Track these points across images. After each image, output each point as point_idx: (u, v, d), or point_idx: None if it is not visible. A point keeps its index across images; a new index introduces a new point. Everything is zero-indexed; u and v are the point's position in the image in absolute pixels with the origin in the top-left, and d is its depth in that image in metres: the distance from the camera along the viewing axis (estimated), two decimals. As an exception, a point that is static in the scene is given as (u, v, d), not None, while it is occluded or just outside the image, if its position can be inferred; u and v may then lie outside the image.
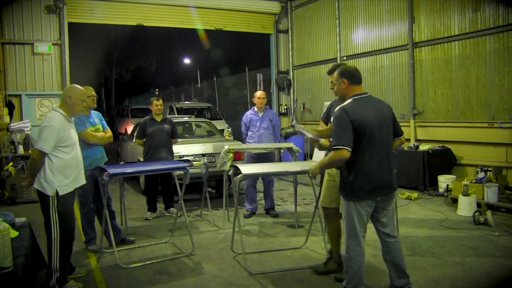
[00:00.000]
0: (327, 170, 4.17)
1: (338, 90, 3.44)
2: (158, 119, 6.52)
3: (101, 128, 5.00)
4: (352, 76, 3.37)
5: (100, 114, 5.16)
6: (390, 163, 3.36)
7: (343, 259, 3.42)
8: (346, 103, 3.29)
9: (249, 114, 6.56)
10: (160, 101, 6.55)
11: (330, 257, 4.20)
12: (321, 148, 4.14)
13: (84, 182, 4.01)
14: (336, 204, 4.07)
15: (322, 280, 4.06)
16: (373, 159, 3.23)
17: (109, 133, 5.05)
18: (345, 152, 3.13)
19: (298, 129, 4.53)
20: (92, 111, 4.98)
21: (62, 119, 3.71)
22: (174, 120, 6.91)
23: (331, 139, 4.13)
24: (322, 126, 6.20)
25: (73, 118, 3.90)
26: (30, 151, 7.39)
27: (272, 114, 6.65)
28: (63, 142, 3.67)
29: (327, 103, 8.34)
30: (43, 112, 9.30)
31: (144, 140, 6.49)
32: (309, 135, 4.16)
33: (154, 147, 6.37)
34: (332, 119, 3.99)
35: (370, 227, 5.72)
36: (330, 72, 4.04)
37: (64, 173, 3.70)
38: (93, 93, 4.83)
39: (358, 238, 3.31)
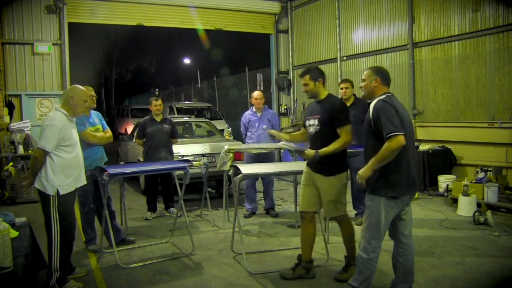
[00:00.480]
0: (304, 172, 4.10)
1: (368, 86, 3.39)
2: (158, 119, 6.52)
3: (101, 128, 5.00)
4: (385, 77, 3.38)
5: (100, 114, 5.17)
6: (415, 161, 3.34)
7: (360, 259, 3.30)
8: (382, 97, 3.26)
9: (247, 114, 6.56)
10: (159, 101, 6.54)
11: (299, 263, 4.13)
12: (307, 158, 4.02)
13: (85, 182, 4.01)
14: (316, 208, 4.04)
15: (322, 280, 4.06)
16: (408, 155, 3.20)
17: (109, 133, 5.05)
18: (401, 138, 3.06)
19: (279, 140, 4.47)
20: (92, 111, 4.98)
21: (64, 118, 3.73)
22: (174, 120, 6.91)
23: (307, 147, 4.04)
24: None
25: (74, 118, 3.91)
26: (30, 151, 7.41)
27: (271, 114, 6.64)
28: (65, 141, 3.69)
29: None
30: (43, 112, 9.30)
31: (144, 140, 6.49)
32: (294, 147, 4.12)
33: (154, 147, 6.37)
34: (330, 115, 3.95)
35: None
36: (302, 75, 4.02)
37: (65, 173, 3.71)
38: (93, 93, 4.83)
39: (380, 239, 3.24)
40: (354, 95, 5.98)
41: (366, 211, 3.34)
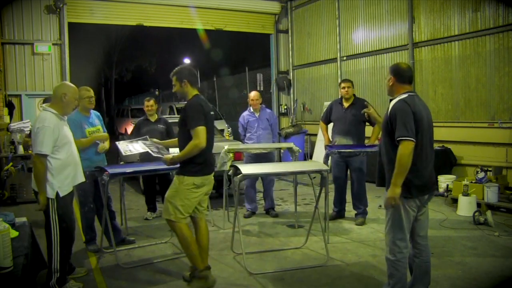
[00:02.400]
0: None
1: (386, 85, 3.39)
2: (152, 119, 6.50)
3: (101, 129, 4.99)
4: (401, 75, 3.31)
5: (100, 115, 5.16)
6: (433, 162, 3.31)
7: (388, 262, 3.24)
8: (403, 96, 3.21)
9: (245, 115, 6.54)
10: (151, 102, 6.52)
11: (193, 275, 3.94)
12: (166, 164, 3.86)
13: (83, 179, 3.98)
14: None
15: (322, 280, 4.06)
16: (424, 156, 3.18)
17: (106, 137, 5.00)
18: (411, 144, 3.04)
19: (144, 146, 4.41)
20: (92, 111, 4.98)
21: (54, 118, 3.65)
22: (174, 120, 6.89)
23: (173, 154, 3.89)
24: (322, 126, 6.24)
25: (65, 117, 3.84)
26: (30, 151, 7.40)
27: (269, 113, 6.61)
28: (59, 141, 3.63)
29: (327, 103, 8.33)
30: (43, 112, 9.29)
31: (139, 140, 6.48)
32: (154, 154, 4.01)
33: (149, 148, 6.35)
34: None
35: (365, 227, 5.70)
36: (171, 75, 3.90)
37: (64, 173, 3.68)
38: (91, 93, 4.81)
39: (406, 238, 3.21)
40: (354, 95, 5.99)
41: (387, 211, 3.28)
